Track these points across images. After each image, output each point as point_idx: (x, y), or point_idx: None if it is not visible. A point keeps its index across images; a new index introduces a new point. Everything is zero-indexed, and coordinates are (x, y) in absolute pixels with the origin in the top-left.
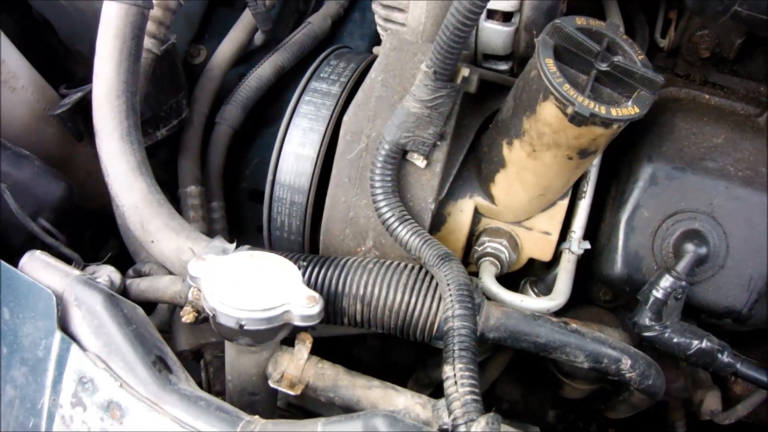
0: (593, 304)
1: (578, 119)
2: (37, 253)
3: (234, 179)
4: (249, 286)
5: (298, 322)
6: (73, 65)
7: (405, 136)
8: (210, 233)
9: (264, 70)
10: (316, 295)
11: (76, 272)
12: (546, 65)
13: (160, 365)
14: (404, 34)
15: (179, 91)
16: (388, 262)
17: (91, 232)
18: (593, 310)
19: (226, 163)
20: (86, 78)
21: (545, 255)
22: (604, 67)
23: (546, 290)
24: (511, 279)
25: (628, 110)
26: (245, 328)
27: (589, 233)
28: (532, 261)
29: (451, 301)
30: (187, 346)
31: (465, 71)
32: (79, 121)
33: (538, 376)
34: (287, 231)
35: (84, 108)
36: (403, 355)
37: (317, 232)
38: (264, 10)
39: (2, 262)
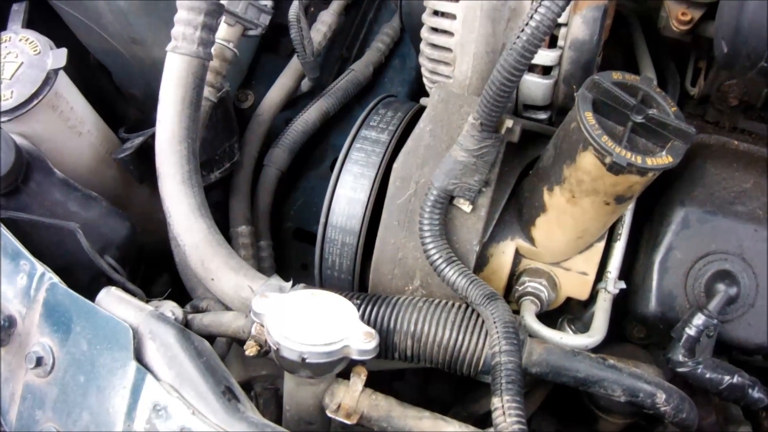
0: (627, 341)
1: (616, 168)
2: (113, 289)
3: (279, 218)
4: (309, 322)
5: (355, 356)
6: (126, 108)
7: (452, 183)
8: (259, 271)
9: (310, 115)
10: (373, 331)
11: (149, 308)
12: (585, 118)
13: (229, 395)
14: (451, 87)
15: (232, 135)
16: (436, 300)
17: (145, 267)
18: (627, 347)
19: (273, 203)
20: (140, 120)
21: (582, 294)
22: (639, 119)
23: (583, 328)
24: (549, 316)
25: (663, 159)
26: (307, 361)
27: (624, 273)
28: (569, 299)
29: (498, 337)
30: (239, 378)
31: (509, 122)
32: (140, 164)
33: (573, 412)
34: (338, 270)
35: (144, 152)
36: (442, 391)
37: (366, 271)
38: (312, 59)
39: (81, 297)
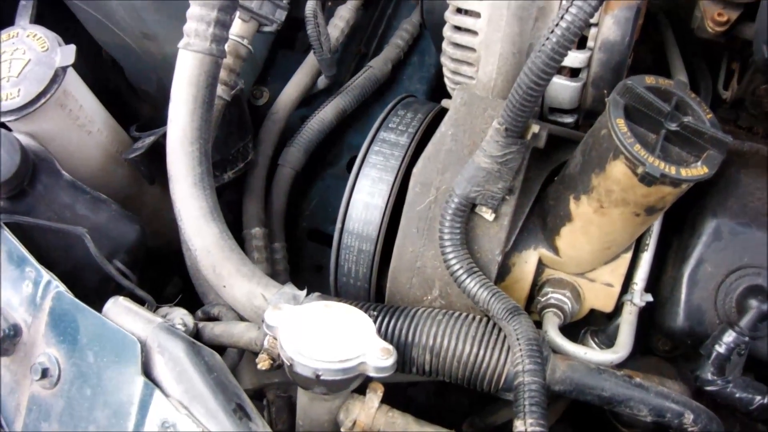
0: (652, 354)
1: (648, 179)
2: (120, 299)
3: (293, 218)
4: (325, 336)
5: (372, 374)
6: (138, 104)
7: (475, 190)
8: (273, 274)
9: (326, 113)
10: (391, 347)
11: (159, 319)
12: (617, 125)
13: (241, 413)
14: (474, 89)
15: (246, 135)
16: (456, 313)
17: (156, 269)
18: (652, 360)
19: (288, 203)
20: (152, 116)
21: (607, 306)
22: (673, 127)
23: (607, 341)
24: (571, 327)
25: (698, 170)
26: (321, 378)
27: (651, 285)
28: (592, 310)
29: (521, 355)
30: (251, 386)
31: (535, 128)
32: (151, 164)
33: (593, 422)
34: (354, 278)
35: (155, 151)
36: (459, 399)
37: (383, 279)
38: (329, 56)
39: (88, 307)
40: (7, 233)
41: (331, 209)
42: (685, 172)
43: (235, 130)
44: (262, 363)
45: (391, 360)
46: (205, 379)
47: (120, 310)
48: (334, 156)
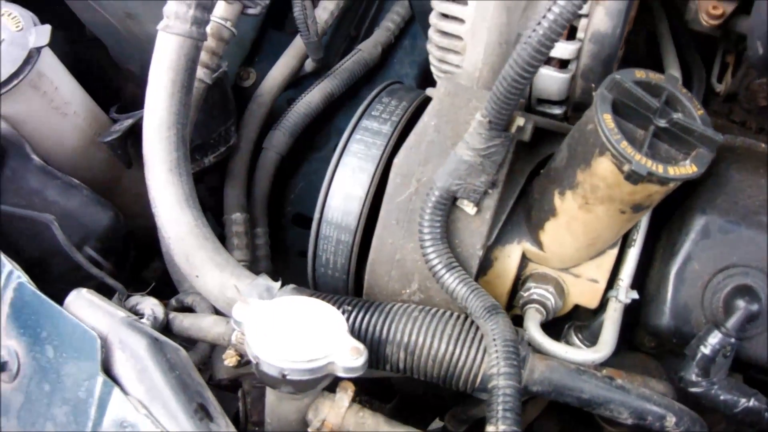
0: (637, 350)
1: (634, 177)
2: (84, 291)
3: (278, 202)
4: (293, 333)
5: (341, 374)
6: (122, 83)
7: (456, 184)
8: (253, 260)
9: (313, 96)
10: (361, 346)
11: (121, 314)
12: (603, 121)
13: (202, 413)
14: (459, 78)
15: (229, 118)
16: (433, 310)
17: (135, 253)
18: (638, 357)
19: (272, 186)
20: (136, 96)
21: (592, 302)
22: (663, 123)
23: (590, 337)
24: (554, 322)
25: (686, 169)
26: (288, 378)
27: (637, 282)
28: (576, 306)
29: (497, 357)
30: (226, 375)
31: (520, 120)
32: (129, 147)
33: (577, 417)
34: (332, 269)
35: (134, 134)
36: (441, 388)
37: (362, 271)
38: (316, 39)
39: (48, 300)
40: None
41: (317, 194)
42: (672, 171)
43: (218, 113)
44: (230, 359)
45: (362, 360)
46: (167, 378)
47: (82, 303)
48: (322, 140)
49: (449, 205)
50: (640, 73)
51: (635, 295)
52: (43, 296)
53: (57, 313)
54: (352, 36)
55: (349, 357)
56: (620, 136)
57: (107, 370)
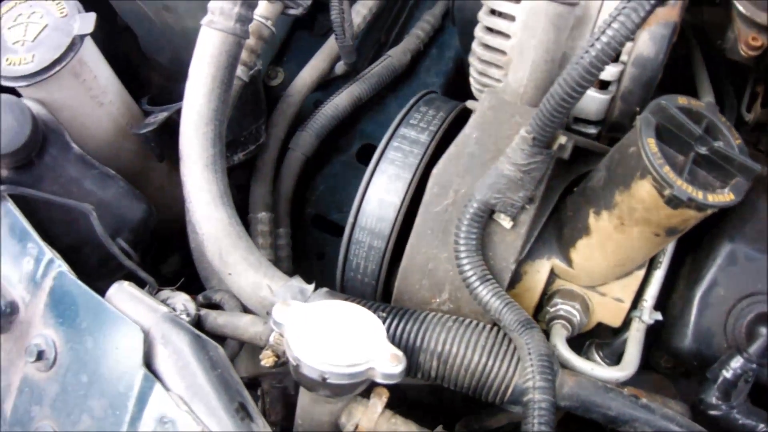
0: (653, 370)
1: (675, 202)
2: (125, 284)
3: (299, 203)
4: (334, 337)
5: (380, 380)
6: (149, 74)
7: (495, 197)
8: (275, 260)
9: (341, 99)
10: (401, 354)
11: (164, 309)
12: (647, 145)
13: (243, 413)
14: (502, 93)
15: (260, 117)
16: (467, 321)
17: (156, 247)
18: (653, 377)
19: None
20: (163, 88)
21: (615, 321)
22: (703, 151)
23: (611, 355)
24: (574, 337)
25: (724, 197)
26: (328, 381)
27: (660, 304)
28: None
29: (532, 371)
30: (246, 374)
31: (562, 139)
32: (162, 140)
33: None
34: (361, 273)
35: (167, 128)
36: (452, 397)
37: (391, 277)
38: (350, 43)
39: (90, 291)
40: (11, 206)
41: (338, 197)
42: (711, 198)
43: (250, 111)
44: (266, 360)
45: (401, 367)
46: (209, 376)
47: (124, 296)
48: (345, 143)
49: (486, 217)
50: (682, 100)
51: (659, 316)
52: (85, 287)
53: (99, 304)
54: (382, 42)
55: (388, 364)
56: (663, 161)
57: (148, 365)
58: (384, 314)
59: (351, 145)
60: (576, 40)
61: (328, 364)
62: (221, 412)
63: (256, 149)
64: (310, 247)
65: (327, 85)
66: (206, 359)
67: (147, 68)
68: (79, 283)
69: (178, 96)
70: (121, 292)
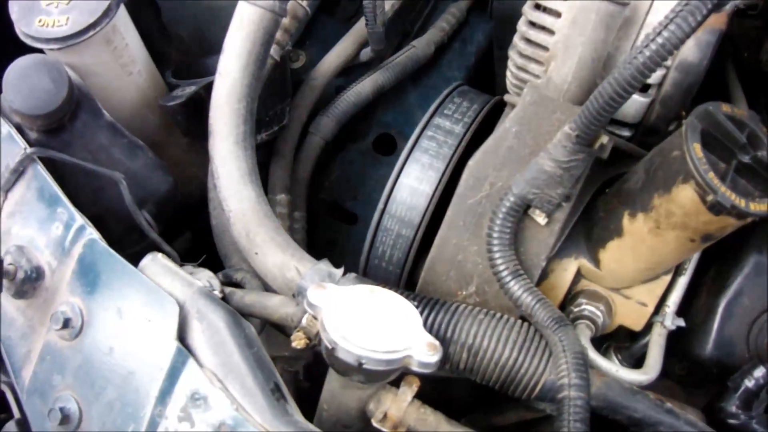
0: (666, 377)
1: (717, 208)
2: (159, 256)
3: (312, 188)
4: (370, 323)
5: (415, 368)
6: (168, 48)
7: (533, 192)
8: None
9: (364, 86)
10: (437, 343)
11: (199, 283)
12: (693, 150)
13: (278, 393)
14: (544, 88)
15: (285, 98)
16: (498, 315)
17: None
18: (665, 383)
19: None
20: (180, 62)
21: (637, 325)
22: (746, 159)
23: (630, 359)
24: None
25: (764, 206)
26: (364, 366)
27: (681, 310)
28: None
29: (567, 368)
30: None
31: (604, 138)
32: (189, 114)
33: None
34: (386, 261)
35: (194, 102)
36: (461, 391)
37: (416, 266)
38: (381, 30)
39: (123, 260)
40: (41, 168)
41: (352, 185)
42: (753, 207)
43: (277, 92)
44: (298, 341)
45: (437, 357)
46: (245, 354)
47: (158, 269)
48: (361, 130)
49: (521, 212)
50: (726, 107)
51: (681, 322)
52: (118, 256)
53: (132, 274)
54: (407, 32)
55: (425, 352)
56: (708, 167)
57: (181, 339)
58: (414, 303)
59: (367, 134)
60: (622, 40)
61: (365, 349)
62: (257, 392)
63: (278, 130)
64: (321, 233)
65: (348, 71)
66: (242, 336)
67: (166, 43)
68: (112, 251)
69: (197, 71)
70: (156, 264)
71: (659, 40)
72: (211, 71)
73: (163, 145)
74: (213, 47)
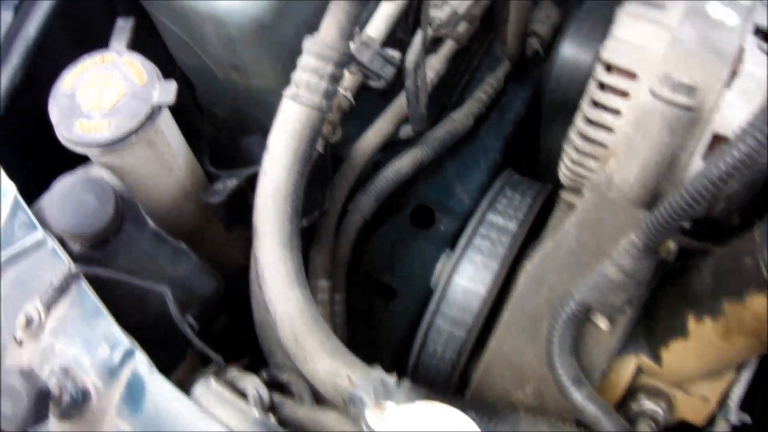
0: None
1: None
2: (213, 383)
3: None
4: None
5: None
6: (201, 123)
7: (596, 299)
8: (333, 328)
9: (402, 163)
10: None
11: (255, 414)
12: None
13: None
14: (606, 188)
15: (326, 184)
16: (559, 424)
17: None
18: None
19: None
20: (214, 139)
21: (698, 419)
22: None
23: None
24: None
25: None
26: None
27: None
28: None
29: None
30: None
31: (671, 245)
32: (231, 209)
33: None
34: (437, 359)
35: (237, 196)
36: None
37: (468, 365)
38: (423, 111)
39: (178, 390)
40: (85, 286)
41: (391, 259)
42: None
43: (317, 180)
44: None
45: None
46: None
47: (212, 399)
48: (398, 204)
49: (583, 319)
50: None
51: (747, 418)
52: (170, 384)
53: (185, 405)
54: (444, 104)
55: None
56: None
57: None
58: (473, 413)
59: (405, 207)
60: (686, 139)
61: None
62: None
63: (318, 215)
64: (359, 305)
65: (387, 146)
66: None
67: (199, 118)
68: (163, 379)
69: (235, 153)
70: (209, 392)
71: (735, 153)
72: (248, 152)
73: (200, 233)
74: (249, 126)
